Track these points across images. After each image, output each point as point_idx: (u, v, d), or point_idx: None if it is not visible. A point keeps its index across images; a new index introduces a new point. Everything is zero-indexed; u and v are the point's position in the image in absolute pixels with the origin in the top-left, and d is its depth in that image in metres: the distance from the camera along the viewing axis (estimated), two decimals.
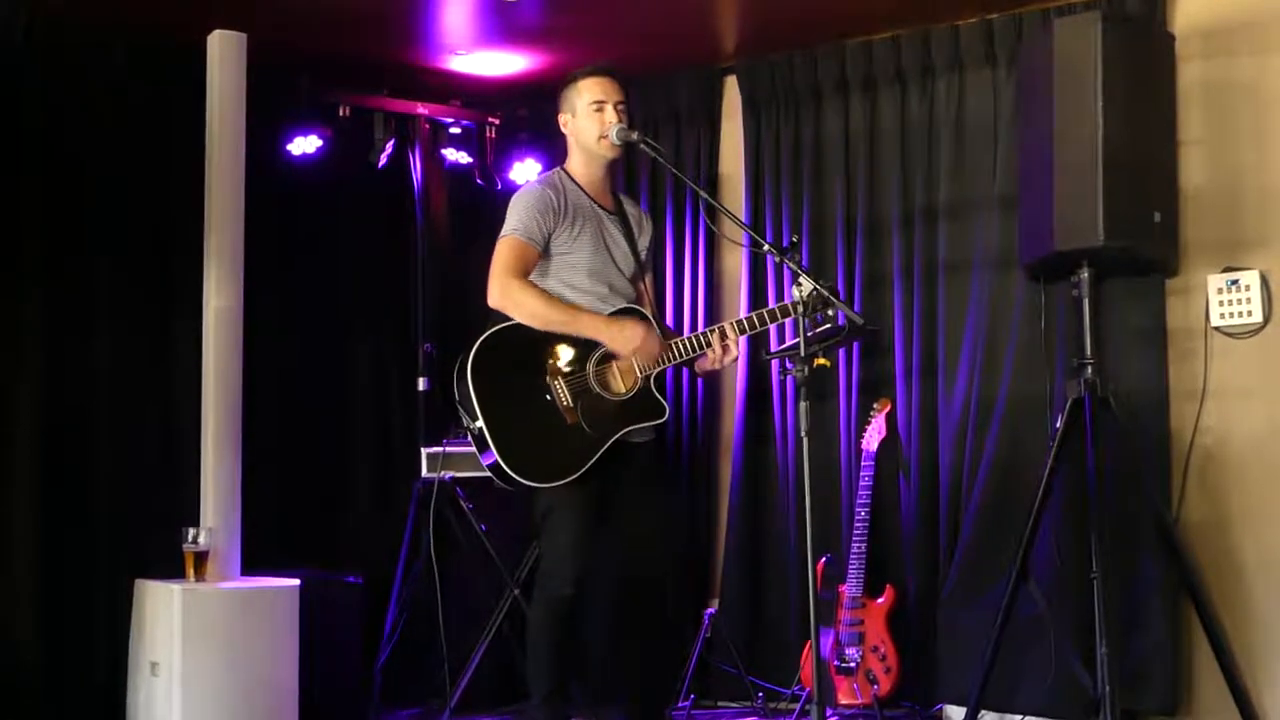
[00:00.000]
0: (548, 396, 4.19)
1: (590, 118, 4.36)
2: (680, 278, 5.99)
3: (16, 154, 5.12)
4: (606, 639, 4.40)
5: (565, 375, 4.21)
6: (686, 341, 4.32)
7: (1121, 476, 4.66)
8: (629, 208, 4.56)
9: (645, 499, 4.38)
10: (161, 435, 5.43)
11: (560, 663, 4.22)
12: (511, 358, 4.21)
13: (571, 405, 4.19)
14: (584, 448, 4.18)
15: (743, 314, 5.71)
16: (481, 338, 4.21)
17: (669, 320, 5.86)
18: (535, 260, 4.30)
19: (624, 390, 4.26)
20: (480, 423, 4.12)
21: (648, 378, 4.27)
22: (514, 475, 4.12)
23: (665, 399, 4.35)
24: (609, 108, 4.35)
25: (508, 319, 4.24)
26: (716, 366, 4.36)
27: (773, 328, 5.68)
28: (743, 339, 4.44)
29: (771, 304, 5.72)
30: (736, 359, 4.37)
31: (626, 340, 4.23)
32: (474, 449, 4.22)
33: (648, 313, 4.38)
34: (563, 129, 4.47)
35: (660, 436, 4.57)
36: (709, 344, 4.30)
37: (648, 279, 4.54)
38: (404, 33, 5.56)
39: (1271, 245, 4.90)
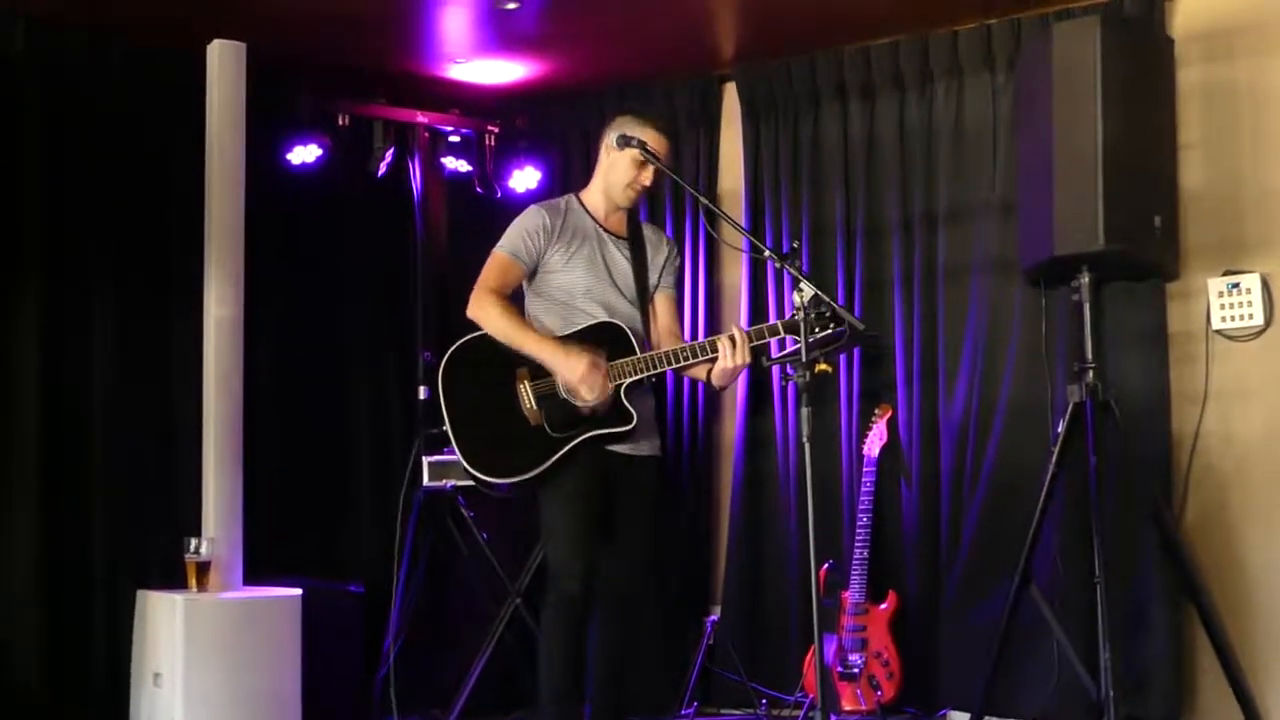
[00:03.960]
0: (513, 399, 4.26)
1: (632, 164, 4.38)
2: (679, 284, 5.97)
3: (14, 163, 5.12)
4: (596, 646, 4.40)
5: (532, 380, 4.27)
6: (670, 353, 4.30)
7: (1123, 480, 4.66)
8: (648, 234, 4.57)
9: (637, 515, 4.38)
10: (163, 445, 5.42)
11: (573, 665, 4.25)
12: (482, 363, 4.30)
13: (536, 408, 4.25)
14: (545, 447, 4.23)
15: (743, 321, 5.73)
16: (456, 345, 4.33)
17: None
18: (518, 277, 4.39)
19: (583, 401, 4.25)
20: (446, 423, 4.25)
21: (618, 386, 4.28)
22: (473, 471, 4.23)
23: (657, 399, 4.34)
24: (651, 170, 4.38)
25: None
26: (728, 366, 4.23)
27: None
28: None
29: (771, 310, 5.75)
30: (748, 360, 4.28)
31: (569, 371, 4.22)
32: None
33: (628, 328, 4.35)
34: (602, 150, 4.48)
35: (663, 454, 4.57)
36: (704, 351, 4.27)
37: (662, 298, 4.53)
38: (403, 41, 5.56)
39: (1272, 248, 4.90)
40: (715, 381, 4.37)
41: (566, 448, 4.23)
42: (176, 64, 5.37)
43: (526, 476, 4.22)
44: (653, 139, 4.39)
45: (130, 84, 5.42)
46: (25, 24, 5.10)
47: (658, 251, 4.55)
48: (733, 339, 4.23)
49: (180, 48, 5.25)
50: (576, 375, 4.21)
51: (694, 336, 5.87)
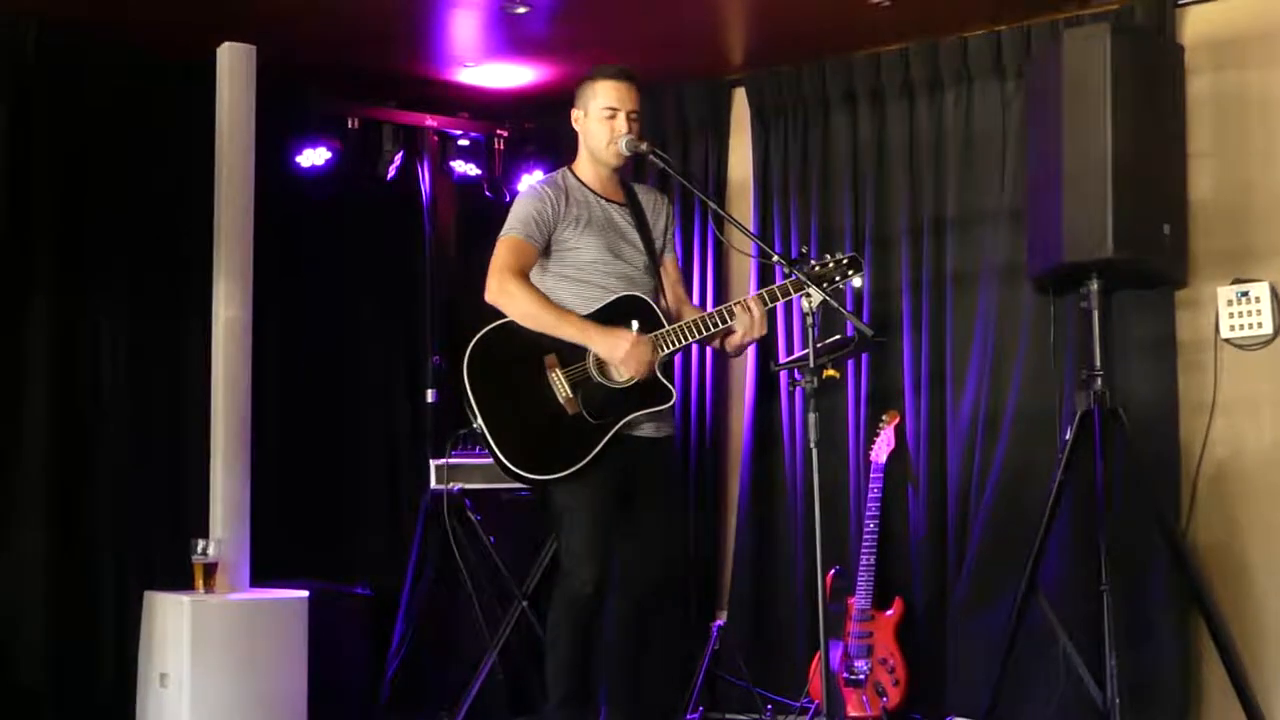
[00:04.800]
0: (546, 389, 4.13)
1: (601, 123, 4.31)
2: (688, 289, 5.97)
3: (26, 167, 5.13)
4: (611, 642, 4.37)
5: (564, 366, 4.14)
6: (698, 322, 4.22)
7: (1130, 489, 4.66)
8: (642, 195, 4.48)
9: (658, 501, 4.32)
10: (170, 446, 5.44)
11: (580, 664, 4.19)
12: (508, 354, 4.16)
13: (571, 396, 4.12)
14: (587, 437, 4.12)
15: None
16: (476, 337, 4.17)
17: None
18: (533, 258, 4.26)
19: (626, 378, 4.18)
20: (479, 421, 4.10)
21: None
22: (517, 470, 4.08)
23: (673, 383, 4.25)
24: (620, 115, 4.29)
25: (504, 316, 4.21)
26: (746, 340, 4.22)
27: (781, 340, 5.73)
28: (752, 345, 4.36)
29: (779, 315, 5.75)
30: (763, 331, 4.25)
31: (612, 349, 4.12)
32: (482, 458, 4.20)
33: (650, 299, 4.28)
34: (573, 125, 4.41)
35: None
36: (728, 317, 4.20)
37: (668, 261, 4.48)
38: (412, 45, 5.57)
39: None
40: (729, 350, 4.33)
41: (612, 432, 4.12)
42: (186, 66, 5.39)
43: (575, 469, 4.09)
44: (607, 90, 4.31)
45: (140, 86, 5.44)
46: (36, 26, 5.11)
47: (657, 212, 4.48)
48: (748, 308, 4.19)
49: (191, 50, 5.26)
50: (621, 352, 4.10)
51: None
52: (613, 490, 4.18)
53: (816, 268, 4.20)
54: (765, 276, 5.82)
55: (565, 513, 4.18)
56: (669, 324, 4.24)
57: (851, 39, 5.59)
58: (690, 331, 4.22)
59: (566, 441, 4.12)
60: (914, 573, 5.43)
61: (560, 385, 4.14)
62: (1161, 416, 4.94)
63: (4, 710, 4.94)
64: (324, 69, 5.65)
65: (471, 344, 4.17)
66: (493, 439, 4.09)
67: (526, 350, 4.16)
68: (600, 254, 4.29)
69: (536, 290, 4.23)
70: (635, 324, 4.20)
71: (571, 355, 4.16)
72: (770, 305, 4.24)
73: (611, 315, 4.22)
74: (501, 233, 4.28)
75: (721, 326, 4.22)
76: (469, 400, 4.11)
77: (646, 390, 4.19)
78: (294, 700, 4.99)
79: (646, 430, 4.26)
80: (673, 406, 4.29)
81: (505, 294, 4.18)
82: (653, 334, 4.18)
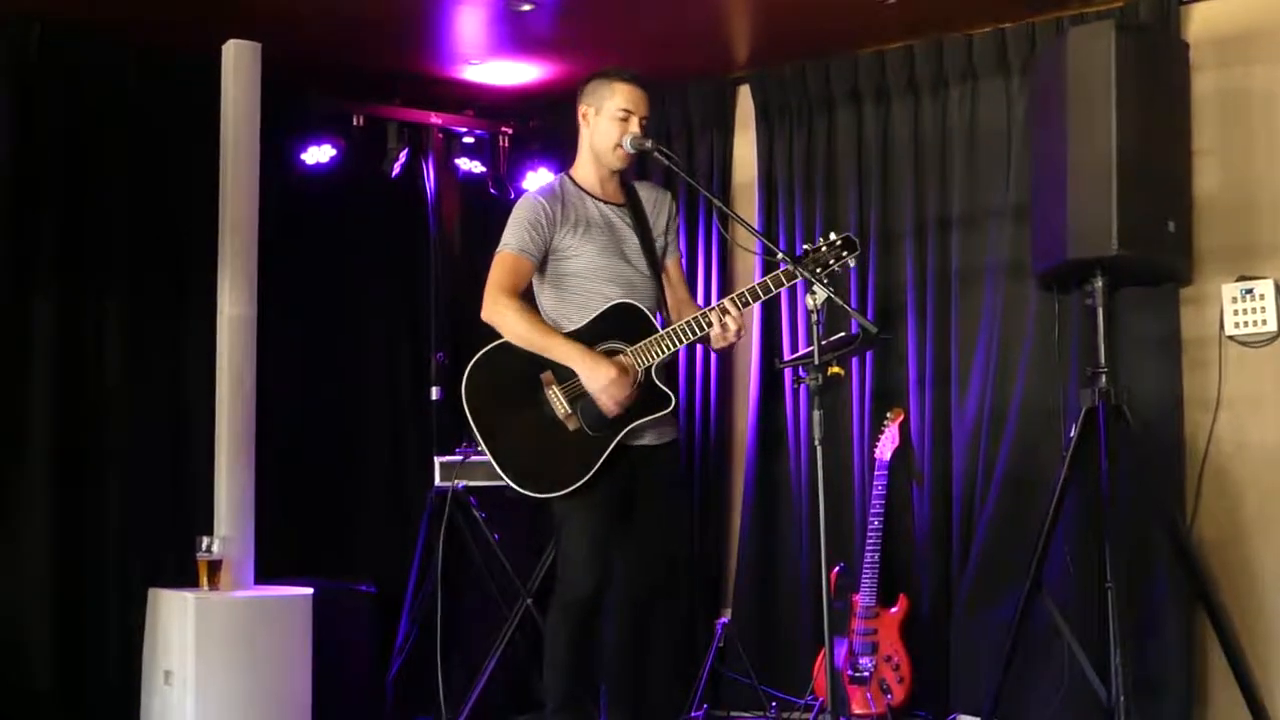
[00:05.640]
0: (545, 406, 4.15)
1: (613, 123, 4.30)
2: (693, 286, 5.98)
3: (30, 164, 5.14)
4: (612, 644, 4.38)
5: (560, 382, 4.15)
6: (681, 329, 4.20)
7: (1135, 486, 4.66)
8: (643, 192, 4.48)
9: (658, 506, 4.33)
10: (175, 443, 5.44)
11: (577, 669, 4.21)
12: (505, 374, 4.18)
13: (570, 411, 4.14)
14: (589, 451, 4.13)
15: (756, 322, 5.74)
16: (472, 361, 4.19)
17: None
18: (528, 273, 4.27)
19: (614, 409, 4.16)
20: (482, 445, 4.13)
21: (648, 369, 4.19)
22: (523, 491, 4.11)
23: (675, 389, 4.26)
24: (634, 120, 4.29)
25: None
26: (722, 344, 4.23)
27: (785, 337, 5.72)
28: (757, 338, 4.33)
29: (784, 312, 5.75)
30: (743, 331, 4.24)
31: (595, 379, 4.11)
32: (487, 455, 4.21)
33: (644, 305, 4.27)
34: (580, 121, 4.39)
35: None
36: (709, 324, 4.18)
37: (670, 263, 4.48)
38: (417, 43, 5.57)
39: None
40: (715, 349, 4.33)
41: (612, 445, 4.14)
42: (191, 65, 5.39)
43: (579, 484, 4.11)
44: (625, 94, 4.30)
45: (145, 84, 5.44)
46: (40, 26, 5.12)
47: (658, 210, 4.47)
48: (724, 323, 4.17)
49: (195, 48, 5.26)
50: (598, 385, 4.10)
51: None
52: (614, 500, 4.21)
53: (811, 252, 4.20)
54: (770, 270, 5.81)
55: (565, 522, 4.22)
56: (660, 332, 4.24)
57: (856, 37, 5.59)
58: (677, 337, 4.21)
59: (568, 457, 4.14)
60: (919, 570, 5.43)
61: (559, 401, 4.15)
62: (1166, 413, 4.94)
63: (8, 707, 4.95)
64: (328, 67, 5.65)
65: (469, 368, 4.19)
66: (497, 460, 4.12)
67: (523, 368, 4.17)
68: (600, 259, 4.30)
69: (527, 310, 4.23)
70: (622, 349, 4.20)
71: (568, 371, 4.16)
72: (747, 306, 4.23)
73: (603, 326, 4.23)
74: (497, 249, 4.29)
75: (700, 334, 4.22)
76: (470, 424, 4.14)
77: (645, 398, 4.20)
78: (299, 697, 5.00)
79: (648, 439, 4.27)
80: (674, 412, 4.30)
81: (497, 313, 4.20)
82: (631, 348, 4.18)
